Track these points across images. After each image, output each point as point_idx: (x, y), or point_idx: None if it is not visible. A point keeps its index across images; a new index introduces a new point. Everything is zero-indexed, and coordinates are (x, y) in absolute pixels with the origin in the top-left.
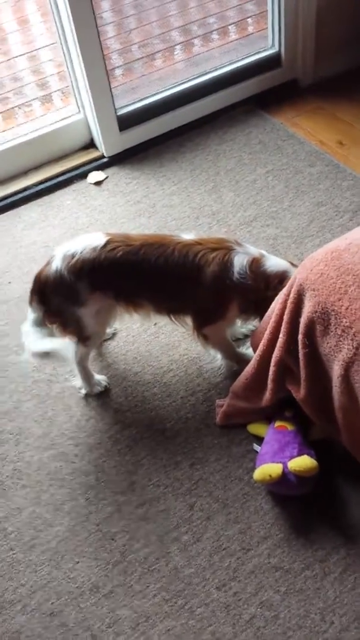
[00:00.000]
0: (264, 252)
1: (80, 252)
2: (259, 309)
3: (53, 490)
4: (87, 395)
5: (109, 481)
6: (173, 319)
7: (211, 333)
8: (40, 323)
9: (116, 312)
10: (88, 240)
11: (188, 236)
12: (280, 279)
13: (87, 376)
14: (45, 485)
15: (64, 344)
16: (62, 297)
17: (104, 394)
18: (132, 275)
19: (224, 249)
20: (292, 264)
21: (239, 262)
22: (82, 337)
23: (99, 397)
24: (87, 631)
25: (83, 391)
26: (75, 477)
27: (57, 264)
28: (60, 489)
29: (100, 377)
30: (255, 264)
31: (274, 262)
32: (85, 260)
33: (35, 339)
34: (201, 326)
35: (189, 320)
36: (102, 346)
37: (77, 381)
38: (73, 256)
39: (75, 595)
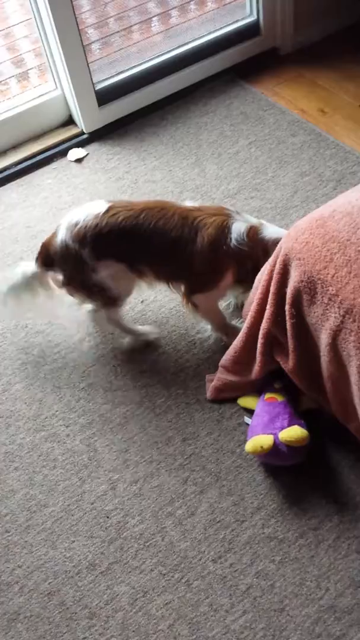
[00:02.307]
0: (263, 221)
1: (83, 220)
2: (255, 276)
3: (46, 471)
4: (134, 350)
5: (102, 460)
6: (171, 286)
7: (201, 302)
8: (30, 282)
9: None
10: (91, 208)
11: (190, 203)
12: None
13: (129, 330)
14: (38, 467)
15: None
16: (72, 267)
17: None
18: (132, 239)
19: (223, 215)
20: None
21: (237, 229)
22: (111, 299)
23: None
24: (85, 609)
25: (130, 346)
26: (68, 457)
27: (62, 235)
28: (53, 470)
29: (143, 328)
30: (254, 231)
31: (272, 230)
32: (87, 227)
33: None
34: (192, 292)
35: (183, 288)
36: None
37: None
38: (76, 224)
39: (72, 574)
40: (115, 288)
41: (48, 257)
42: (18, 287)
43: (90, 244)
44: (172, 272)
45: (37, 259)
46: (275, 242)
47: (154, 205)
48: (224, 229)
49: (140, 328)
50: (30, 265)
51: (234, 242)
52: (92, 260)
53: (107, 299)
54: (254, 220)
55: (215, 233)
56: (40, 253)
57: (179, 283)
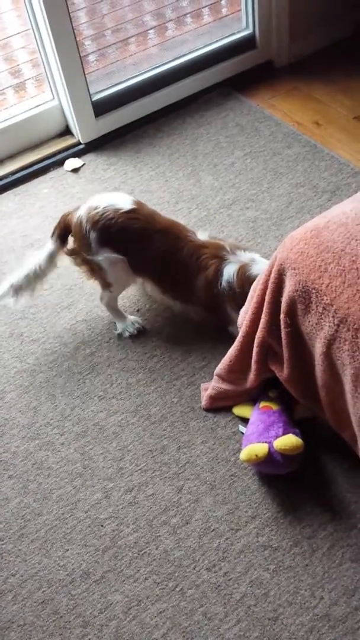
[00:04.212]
0: (255, 256)
1: (103, 208)
2: None
3: (40, 479)
4: (120, 336)
5: (96, 468)
6: (180, 306)
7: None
8: (53, 257)
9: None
10: (116, 199)
11: (202, 235)
12: None
13: (118, 316)
14: (32, 475)
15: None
16: (81, 243)
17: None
18: (140, 251)
19: (220, 258)
20: None
21: (228, 271)
22: (105, 283)
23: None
24: (79, 618)
25: (117, 331)
26: (62, 465)
27: (81, 211)
28: (48, 478)
29: (133, 318)
30: (242, 270)
31: (260, 267)
32: (103, 216)
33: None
34: (225, 324)
35: (198, 310)
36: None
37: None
38: (95, 208)
39: (66, 582)
40: (112, 275)
41: (66, 228)
42: (40, 272)
43: (99, 231)
44: (180, 296)
45: (53, 233)
46: None
47: (170, 230)
48: (217, 273)
49: (130, 317)
50: (48, 245)
51: (224, 284)
52: (96, 245)
53: (104, 282)
54: (246, 258)
55: (211, 276)
56: (57, 226)
57: (190, 306)
